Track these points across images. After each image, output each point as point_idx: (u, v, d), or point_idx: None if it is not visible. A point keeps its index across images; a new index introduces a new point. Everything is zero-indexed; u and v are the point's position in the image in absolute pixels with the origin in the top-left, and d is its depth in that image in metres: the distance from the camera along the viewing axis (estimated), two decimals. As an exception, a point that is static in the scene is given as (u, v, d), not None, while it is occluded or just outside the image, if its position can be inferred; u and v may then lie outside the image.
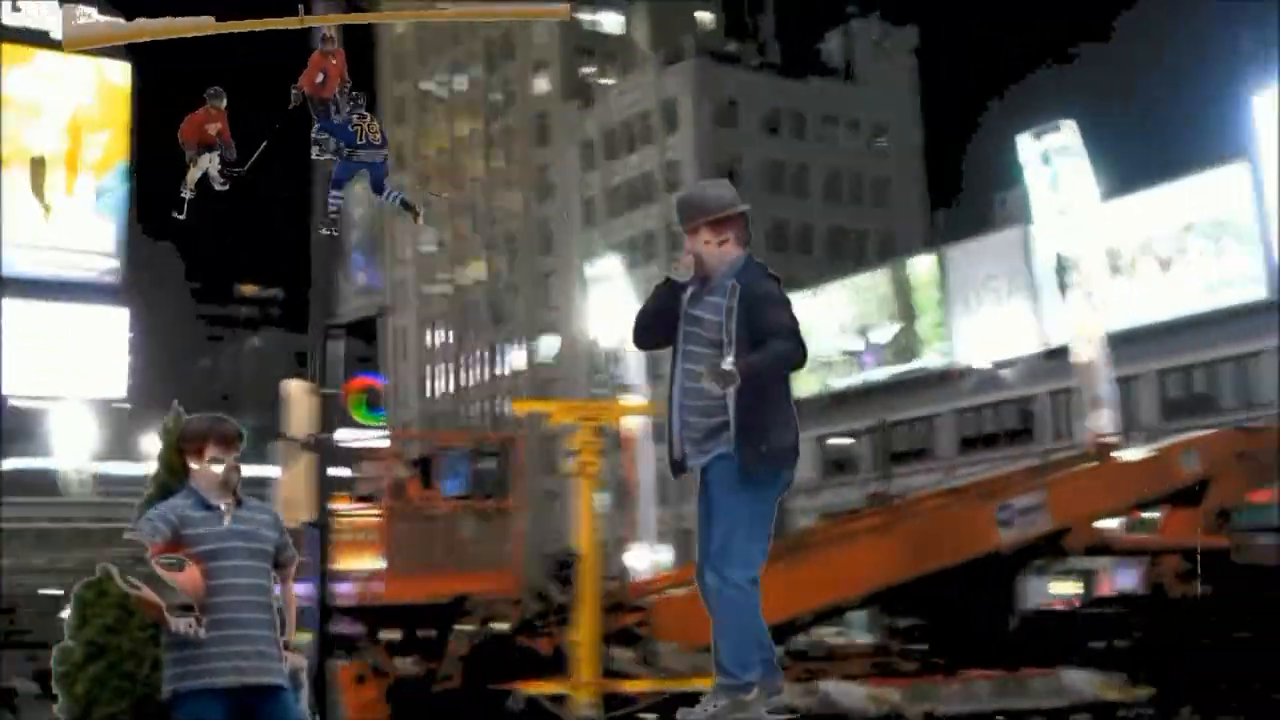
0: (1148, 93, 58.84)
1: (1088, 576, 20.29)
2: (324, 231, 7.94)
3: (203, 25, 6.81)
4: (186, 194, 6.79)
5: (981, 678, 16.67)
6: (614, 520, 63.03)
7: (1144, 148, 52.48)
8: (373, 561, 17.25)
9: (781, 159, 75.64)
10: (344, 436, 16.52)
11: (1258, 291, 48.01)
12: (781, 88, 76.20)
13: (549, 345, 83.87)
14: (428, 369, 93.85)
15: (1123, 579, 21.27)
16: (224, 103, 6.81)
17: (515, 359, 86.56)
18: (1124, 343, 42.69)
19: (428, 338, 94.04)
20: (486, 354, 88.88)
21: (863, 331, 63.54)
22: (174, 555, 5.26)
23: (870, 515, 20.24)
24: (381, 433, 20.96)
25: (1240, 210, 48.67)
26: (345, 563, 15.31)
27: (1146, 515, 20.21)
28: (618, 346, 43.26)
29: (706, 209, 5.70)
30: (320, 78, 6.88)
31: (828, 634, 22.89)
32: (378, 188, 6.89)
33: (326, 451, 14.01)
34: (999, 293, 56.89)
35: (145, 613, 5.63)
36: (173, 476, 6.00)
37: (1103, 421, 29.55)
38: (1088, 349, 30.88)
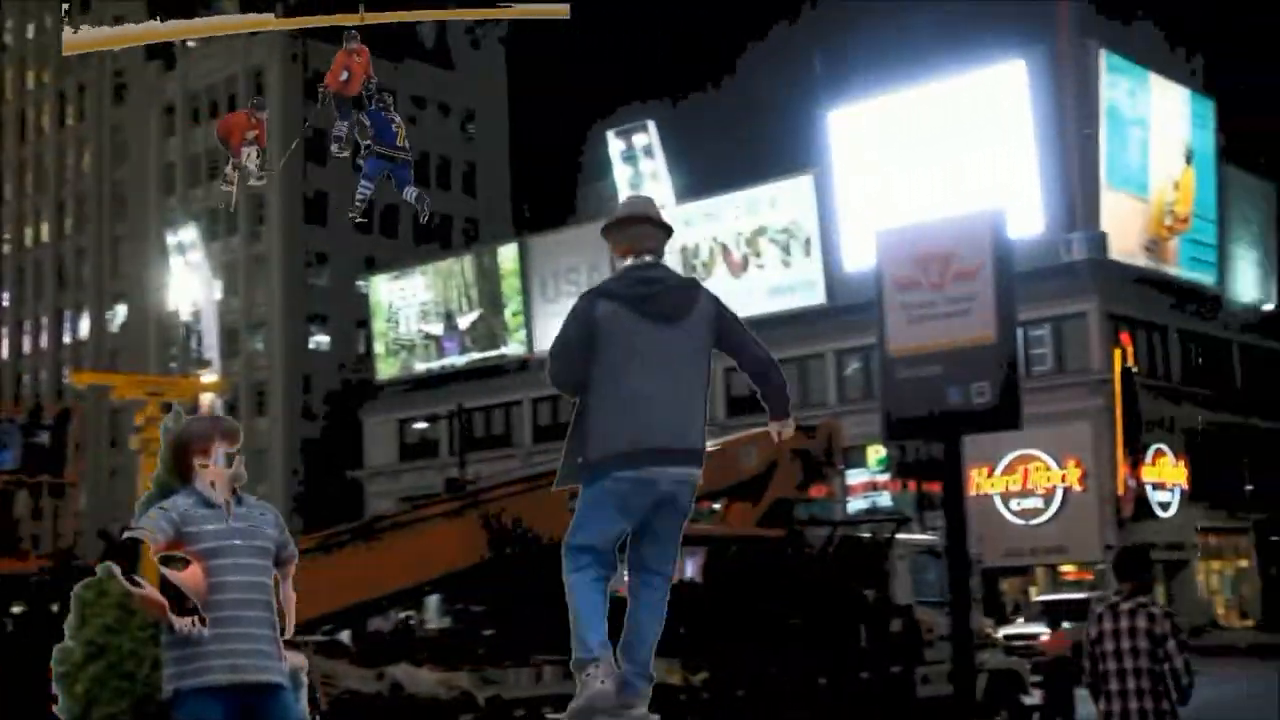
0: (731, 102, 61.22)
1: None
2: (353, 217, 8.39)
3: (265, 22, 6.73)
4: (226, 187, 7.48)
5: (548, 663, 16.96)
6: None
7: (728, 156, 54.61)
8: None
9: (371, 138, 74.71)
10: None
11: (817, 297, 50.90)
12: (373, 66, 75.16)
13: (119, 314, 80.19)
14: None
15: (689, 567, 22.08)
16: (265, 114, 7.56)
17: (81, 327, 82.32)
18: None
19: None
20: (49, 320, 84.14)
21: (445, 316, 63.68)
22: (176, 554, 5.23)
23: (446, 501, 20.29)
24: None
25: (805, 220, 51.46)
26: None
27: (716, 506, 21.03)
28: (193, 319, 41.71)
29: None
30: (344, 75, 7.44)
31: (401, 618, 22.83)
32: (401, 184, 7.46)
33: None
34: (579, 285, 58.12)
35: (147, 611, 5.53)
36: (173, 476, 5.90)
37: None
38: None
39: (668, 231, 5.81)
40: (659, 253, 5.74)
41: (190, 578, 5.24)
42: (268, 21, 7.03)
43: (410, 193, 7.55)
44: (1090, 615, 8.93)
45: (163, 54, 78.34)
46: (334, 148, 7.58)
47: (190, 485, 5.47)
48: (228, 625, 5.27)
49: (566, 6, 7.32)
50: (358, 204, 7.89)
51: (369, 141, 7.42)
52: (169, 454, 5.98)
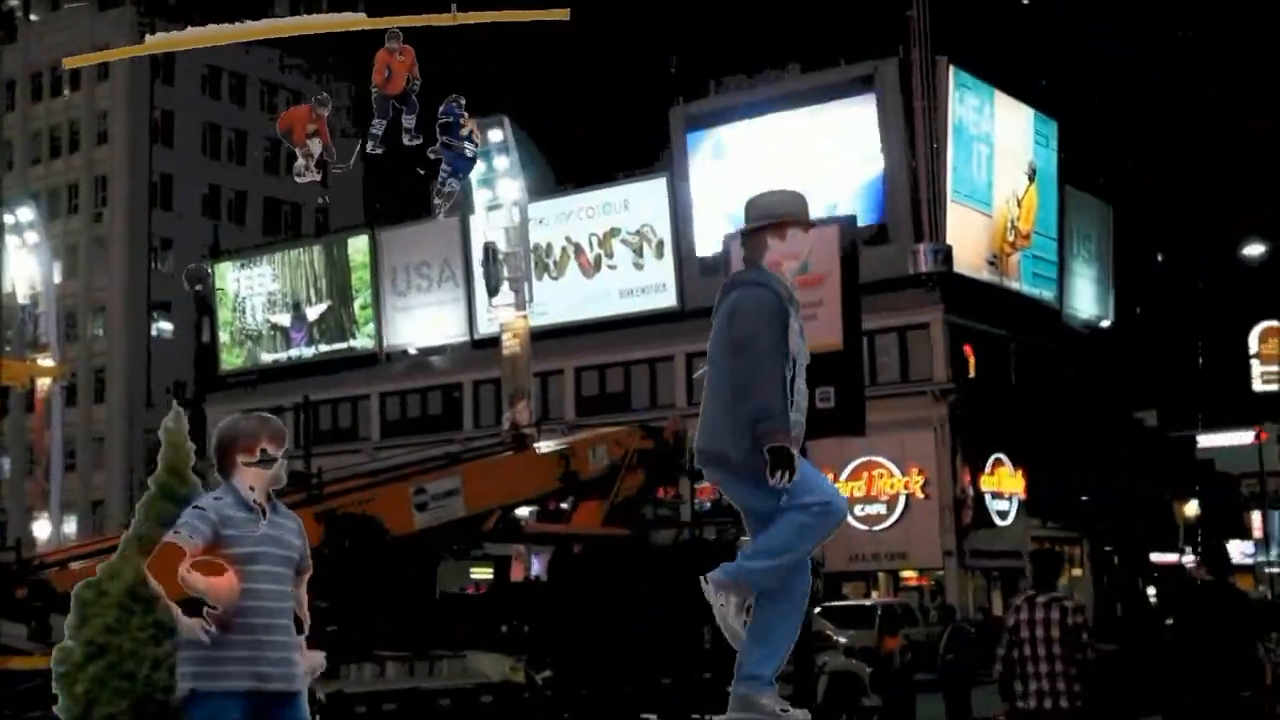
0: (586, 100, 61.34)
1: (501, 562, 20.96)
2: (437, 202, 8.64)
3: (355, 21, 6.67)
4: (303, 177, 7.96)
5: (391, 659, 16.81)
6: (17, 487, 59.08)
7: (583, 155, 54.64)
8: None
9: (219, 122, 73.41)
10: None
11: (668, 300, 51.15)
12: (224, 49, 73.78)
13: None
14: None
15: (536, 565, 22.05)
16: (327, 111, 7.84)
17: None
18: (548, 338, 44.34)
19: None
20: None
21: (293, 307, 62.70)
22: (211, 559, 5.21)
23: (288, 494, 19.97)
24: None
25: (658, 222, 51.69)
26: None
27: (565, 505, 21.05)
28: (30, 302, 40.48)
29: None
30: (386, 74, 7.55)
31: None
32: (455, 173, 7.97)
33: None
34: (431, 280, 57.66)
35: (161, 608, 5.52)
36: (174, 477, 6.00)
37: (522, 413, 30.52)
38: (513, 342, 31.81)
39: (753, 230, 5.63)
40: (748, 255, 5.63)
41: (225, 584, 5.20)
42: (359, 21, 7.12)
43: (452, 184, 8.05)
44: (1009, 607, 10.31)
45: (3, 27, 76.02)
46: (369, 145, 7.74)
47: (229, 483, 5.43)
48: (259, 633, 5.27)
49: (567, 10, 7.43)
50: (438, 186, 8.35)
51: (443, 135, 7.82)
52: (169, 453, 5.90)
